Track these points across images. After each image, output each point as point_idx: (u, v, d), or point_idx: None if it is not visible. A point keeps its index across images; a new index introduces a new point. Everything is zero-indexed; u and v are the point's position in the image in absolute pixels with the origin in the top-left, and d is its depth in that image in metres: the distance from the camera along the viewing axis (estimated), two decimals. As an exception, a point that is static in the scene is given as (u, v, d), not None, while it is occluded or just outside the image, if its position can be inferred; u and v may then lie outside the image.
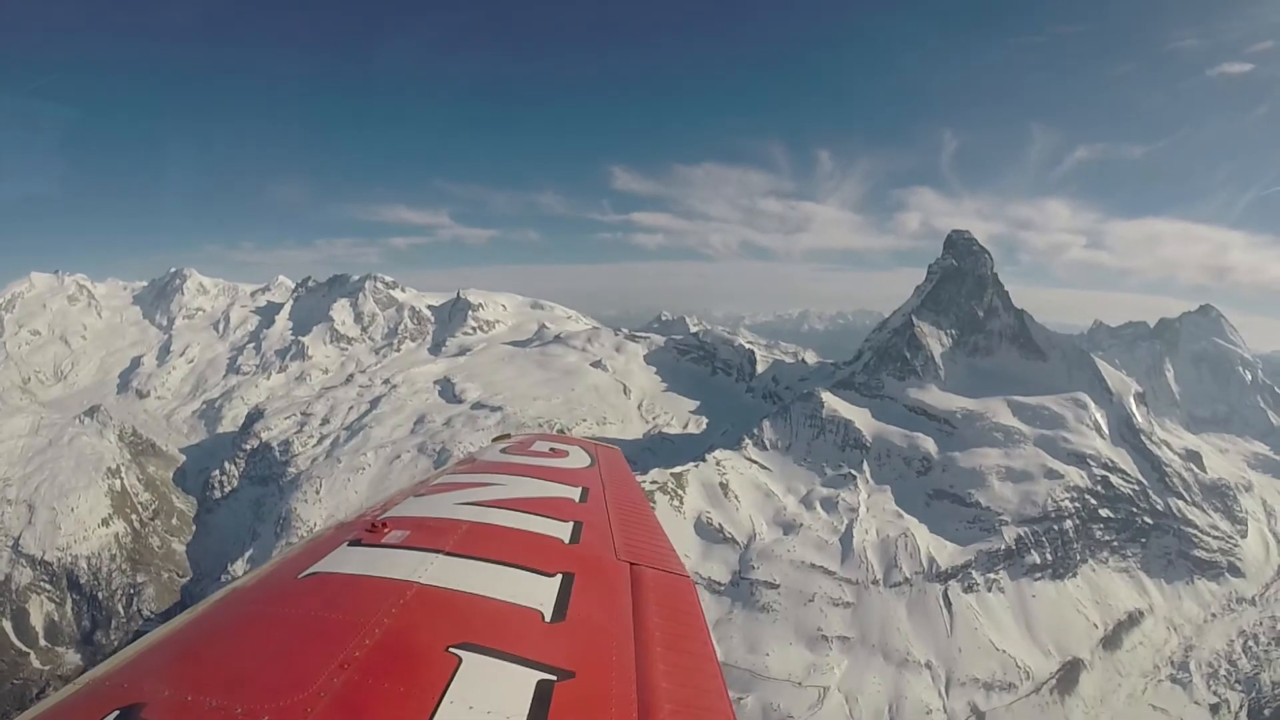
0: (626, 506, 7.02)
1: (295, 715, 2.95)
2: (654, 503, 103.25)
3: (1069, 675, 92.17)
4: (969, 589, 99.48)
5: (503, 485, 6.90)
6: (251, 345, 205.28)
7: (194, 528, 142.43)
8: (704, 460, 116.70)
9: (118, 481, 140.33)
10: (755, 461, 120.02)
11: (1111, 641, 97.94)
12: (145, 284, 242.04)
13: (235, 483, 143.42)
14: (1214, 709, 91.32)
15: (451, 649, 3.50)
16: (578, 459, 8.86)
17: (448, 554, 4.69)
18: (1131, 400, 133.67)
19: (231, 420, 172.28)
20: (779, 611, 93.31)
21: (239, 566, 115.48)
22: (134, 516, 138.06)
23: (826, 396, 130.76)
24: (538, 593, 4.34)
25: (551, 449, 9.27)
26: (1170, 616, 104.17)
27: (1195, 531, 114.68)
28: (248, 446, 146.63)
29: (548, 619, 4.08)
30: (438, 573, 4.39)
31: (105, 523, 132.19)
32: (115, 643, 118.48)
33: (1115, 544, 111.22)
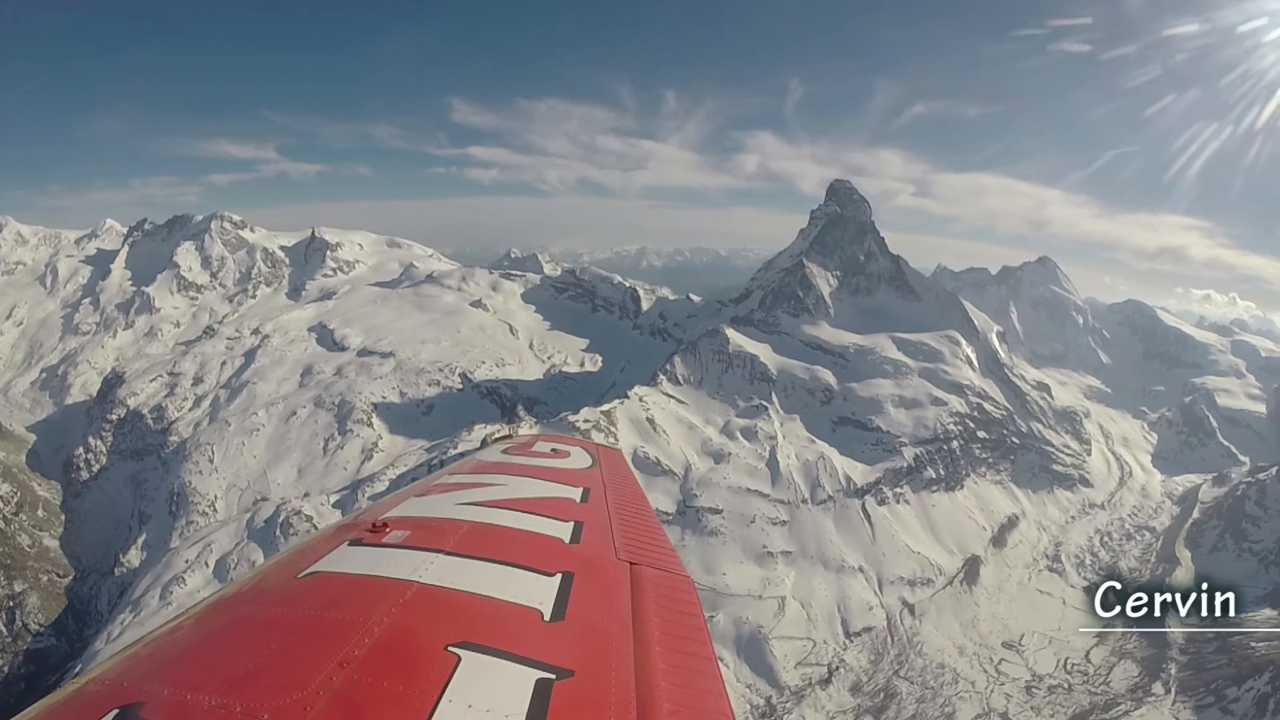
0: (627, 506, 7.10)
1: (294, 714, 2.97)
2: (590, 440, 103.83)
3: (971, 570, 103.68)
4: (881, 502, 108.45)
5: (504, 486, 6.95)
6: (88, 300, 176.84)
7: (63, 517, 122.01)
8: (627, 397, 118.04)
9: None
10: (672, 396, 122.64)
11: (998, 540, 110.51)
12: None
13: (104, 460, 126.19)
14: (1087, 590, 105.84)
15: (451, 648, 3.54)
16: (579, 459, 8.99)
17: (448, 554, 4.74)
18: (994, 338, 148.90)
19: (81, 388, 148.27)
20: (726, 534, 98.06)
21: (133, 555, 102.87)
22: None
23: (731, 333, 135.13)
24: (537, 592, 4.38)
25: (553, 449, 9.40)
26: (1039, 519, 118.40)
27: (1052, 449, 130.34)
28: (113, 417, 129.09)
29: (547, 618, 4.11)
30: (438, 572, 4.43)
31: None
32: (5, 669, 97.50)
33: (990, 460, 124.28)
